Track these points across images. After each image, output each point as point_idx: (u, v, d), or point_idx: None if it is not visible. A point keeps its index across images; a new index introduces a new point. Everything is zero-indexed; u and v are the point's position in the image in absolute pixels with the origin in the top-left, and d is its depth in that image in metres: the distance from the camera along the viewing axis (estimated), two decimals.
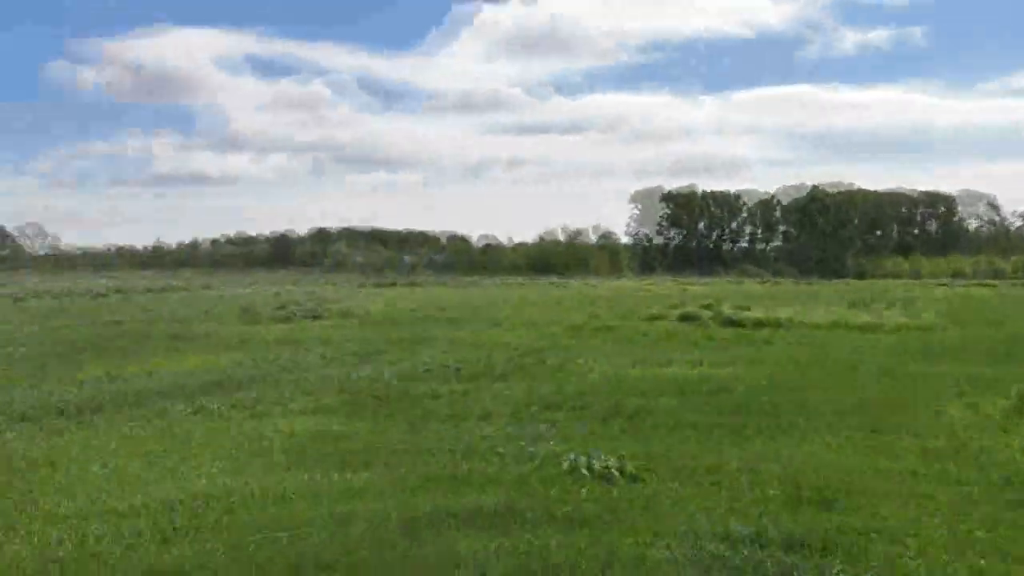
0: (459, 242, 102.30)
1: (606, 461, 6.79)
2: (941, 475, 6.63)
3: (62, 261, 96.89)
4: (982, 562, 4.74)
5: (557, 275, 70.98)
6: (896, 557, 4.85)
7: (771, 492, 6.16)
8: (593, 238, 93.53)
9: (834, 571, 4.65)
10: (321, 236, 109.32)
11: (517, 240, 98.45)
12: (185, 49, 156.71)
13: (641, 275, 73.88)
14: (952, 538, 5.14)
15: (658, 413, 9.23)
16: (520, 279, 63.13)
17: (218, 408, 9.79)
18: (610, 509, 5.82)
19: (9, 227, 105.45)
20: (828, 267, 76.23)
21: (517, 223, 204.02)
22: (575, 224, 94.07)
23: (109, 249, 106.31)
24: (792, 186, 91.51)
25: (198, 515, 5.70)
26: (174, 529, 5.41)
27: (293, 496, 6.17)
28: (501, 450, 7.56)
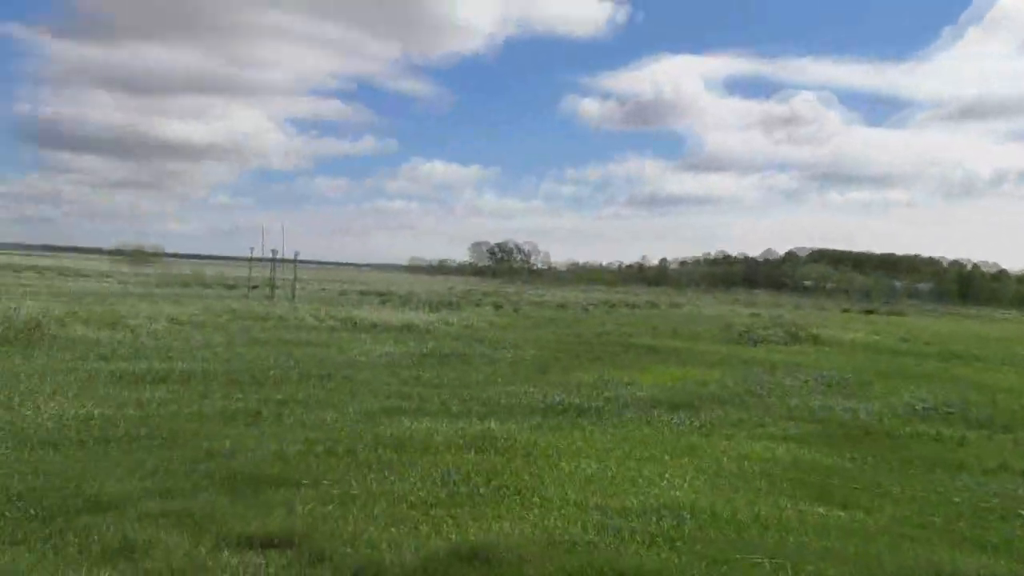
0: (951, 269, 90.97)
1: None
2: None
3: (553, 275, 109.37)
4: None
5: None
6: None
7: None
8: None
9: None
10: (792, 258, 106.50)
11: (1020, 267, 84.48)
12: (671, 76, 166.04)
13: None
14: None
15: None
16: None
17: (699, 423, 10.08)
18: None
19: (513, 244, 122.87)
20: None
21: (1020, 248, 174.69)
22: None
23: (599, 265, 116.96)
24: None
25: (680, 525, 5.91)
26: (659, 534, 5.69)
27: (772, 522, 6.08)
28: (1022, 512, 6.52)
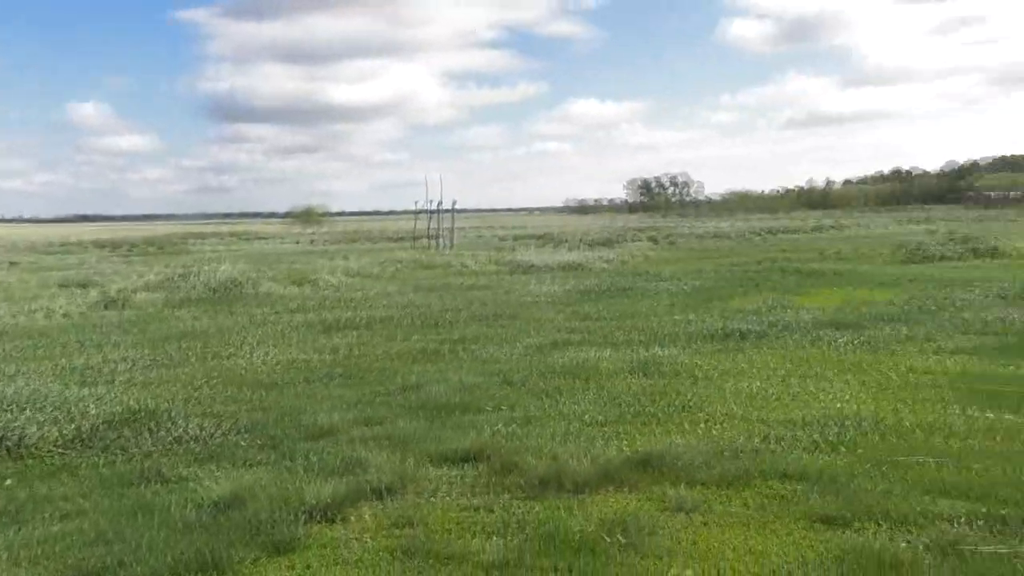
0: None
1: None
2: None
3: (711, 206, 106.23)
4: None
5: None
6: None
7: None
8: None
9: None
10: (973, 169, 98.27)
11: None
12: None
13: None
14: None
15: None
16: None
17: (865, 341, 10.04)
18: None
19: (667, 177, 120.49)
20: None
21: None
22: None
23: (760, 192, 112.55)
24: None
25: (843, 433, 6.12)
26: (822, 441, 5.95)
27: (938, 427, 6.19)
28: None
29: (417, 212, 41.44)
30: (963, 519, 4.38)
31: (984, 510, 4.48)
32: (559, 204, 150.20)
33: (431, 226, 38.68)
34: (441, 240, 36.97)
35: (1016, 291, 13.92)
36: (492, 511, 4.81)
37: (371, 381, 8.78)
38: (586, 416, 6.90)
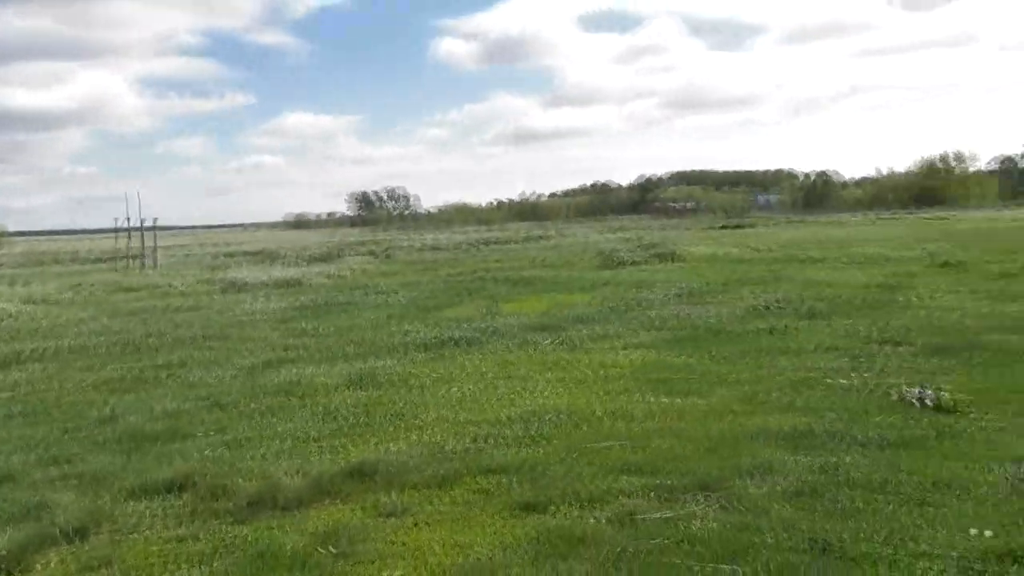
0: (805, 181, 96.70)
1: (941, 393, 6.65)
2: None
3: (429, 219, 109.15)
4: None
5: (897, 209, 64.77)
6: None
7: None
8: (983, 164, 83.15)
9: None
10: (657, 183, 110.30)
11: (859, 174, 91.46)
12: (532, 15, 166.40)
13: (1016, 203, 64.41)
14: None
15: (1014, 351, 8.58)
16: (871, 215, 58.51)
17: (564, 341, 10.92)
18: (935, 436, 5.76)
19: (385, 191, 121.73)
20: None
21: (855, 157, 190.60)
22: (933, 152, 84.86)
23: (477, 205, 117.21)
24: None
25: (543, 426, 6.66)
26: (525, 436, 6.42)
27: (622, 414, 6.93)
28: (829, 381, 7.66)
29: (116, 230, 38.04)
30: (639, 492, 4.97)
31: (657, 483, 5.11)
32: (278, 219, 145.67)
33: (131, 245, 35.72)
34: (144, 260, 34.26)
35: (689, 290, 15.86)
36: (199, 539, 4.62)
37: (59, 417, 7.98)
38: (301, 433, 6.83)
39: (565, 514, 4.72)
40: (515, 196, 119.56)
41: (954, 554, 3.91)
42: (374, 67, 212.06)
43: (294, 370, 9.66)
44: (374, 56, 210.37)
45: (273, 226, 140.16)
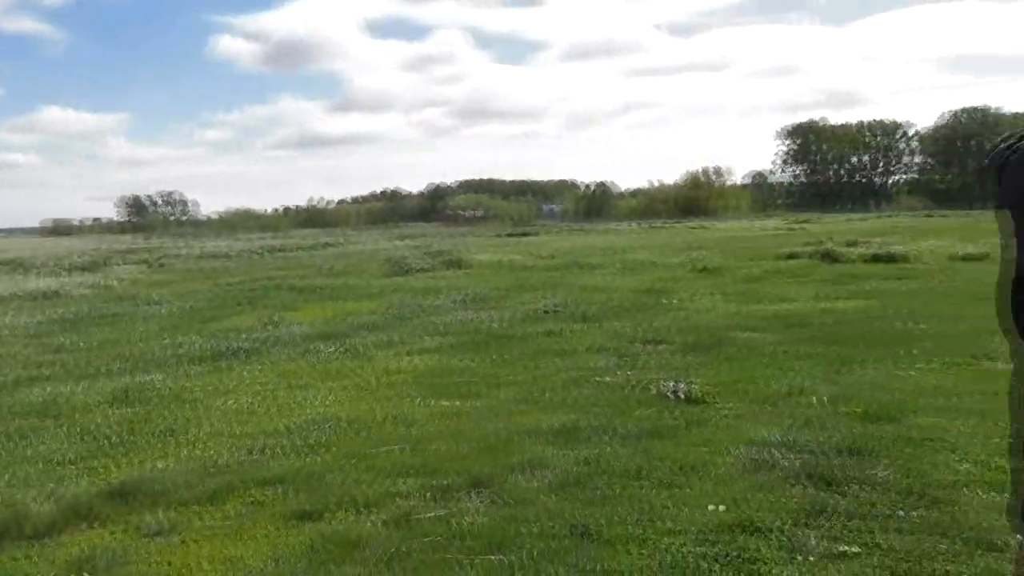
0: (586, 192, 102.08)
1: (691, 386, 7.35)
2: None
3: (208, 225, 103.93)
4: None
5: (666, 219, 70.51)
6: (941, 460, 5.21)
7: (844, 410, 6.52)
8: (738, 179, 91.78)
9: (881, 471, 5.04)
10: (447, 191, 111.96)
11: (632, 186, 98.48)
12: (319, 17, 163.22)
13: (765, 214, 72.06)
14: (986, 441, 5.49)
15: (764, 345, 9.64)
16: (644, 224, 63.00)
17: (348, 349, 10.86)
18: (685, 425, 6.36)
19: (160, 195, 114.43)
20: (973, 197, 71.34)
21: (630, 170, 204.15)
22: (696, 165, 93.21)
23: (262, 211, 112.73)
24: (957, 111, 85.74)
25: (334, 433, 6.64)
26: (305, 445, 6.35)
27: (404, 419, 7.04)
28: (597, 379, 8.20)
29: None
30: (416, 494, 5.08)
31: (433, 483, 5.25)
32: (34, 224, 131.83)
33: None
34: None
35: (474, 296, 16.27)
36: None
37: None
38: (55, 456, 6.31)
39: (341, 520, 4.73)
40: (302, 202, 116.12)
41: (694, 529, 4.35)
42: (144, 62, 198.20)
43: (49, 388, 8.88)
44: (144, 51, 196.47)
45: (28, 232, 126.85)
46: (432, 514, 4.69)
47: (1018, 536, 2.00)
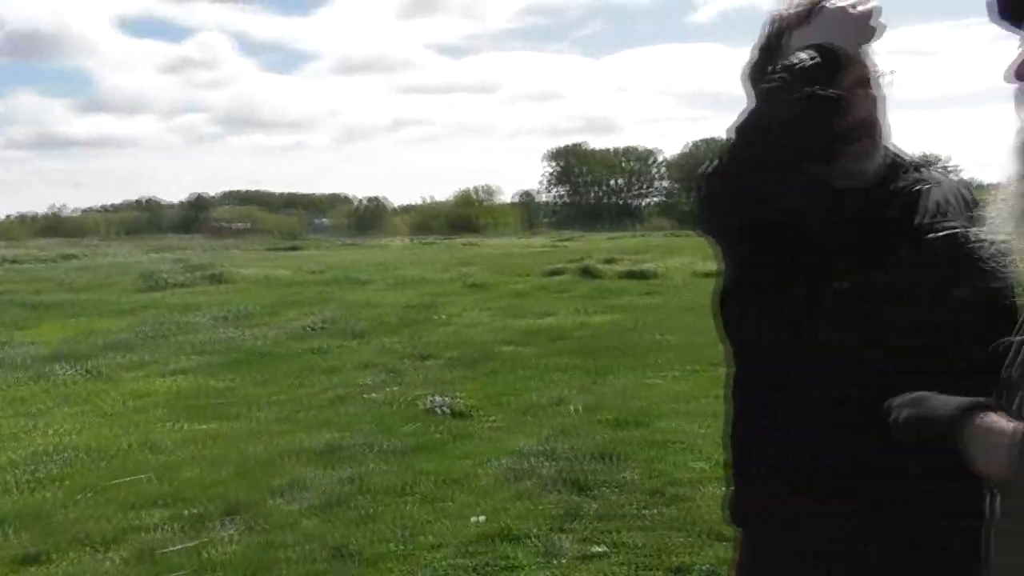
0: (360, 206, 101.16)
1: (457, 400, 7.49)
2: None
3: None
4: None
5: (438, 235, 71.97)
6: (681, 461, 5.70)
7: (598, 418, 6.94)
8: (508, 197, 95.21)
9: (629, 474, 5.42)
10: (210, 201, 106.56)
11: (405, 202, 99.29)
12: (66, 7, 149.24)
13: (532, 232, 75.53)
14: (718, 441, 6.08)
15: (527, 358, 9.99)
16: (416, 239, 63.62)
17: (96, 371, 9.95)
18: (450, 439, 6.46)
19: None
20: None
21: (403, 185, 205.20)
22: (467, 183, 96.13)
23: (13, 217, 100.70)
24: (697, 141, 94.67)
25: (69, 464, 6.04)
26: (44, 477, 5.74)
27: (157, 444, 6.56)
28: (365, 396, 8.12)
29: None
30: (163, 526, 4.74)
31: (183, 513, 4.92)
32: None
33: None
34: None
35: (237, 313, 15.51)
36: None
37: None
38: None
39: (73, 560, 4.30)
40: (42, 209, 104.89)
41: (456, 541, 4.41)
42: None
43: None
44: None
45: None
46: (180, 546, 4.39)
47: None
